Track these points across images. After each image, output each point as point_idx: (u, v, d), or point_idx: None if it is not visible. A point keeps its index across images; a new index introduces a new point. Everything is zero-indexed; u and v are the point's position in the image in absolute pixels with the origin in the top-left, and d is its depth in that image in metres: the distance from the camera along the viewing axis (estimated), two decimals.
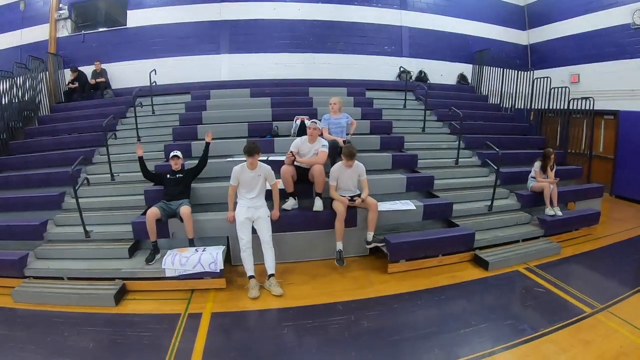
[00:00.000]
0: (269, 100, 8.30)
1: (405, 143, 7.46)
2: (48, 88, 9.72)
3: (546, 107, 9.07)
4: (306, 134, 5.52)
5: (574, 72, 10.13)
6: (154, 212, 4.80)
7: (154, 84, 8.64)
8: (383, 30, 10.92)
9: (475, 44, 11.47)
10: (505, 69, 10.13)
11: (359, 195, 5.17)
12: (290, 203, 5.28)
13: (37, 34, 10.23)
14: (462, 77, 11.58)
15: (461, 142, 7.71)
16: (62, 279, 4.80)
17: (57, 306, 4.34)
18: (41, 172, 6.65)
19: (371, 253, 5.39)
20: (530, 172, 6.83)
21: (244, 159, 4.65)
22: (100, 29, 10.32)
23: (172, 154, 5.31)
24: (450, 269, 5.20)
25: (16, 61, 8.75)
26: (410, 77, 10.56)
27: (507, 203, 6.59)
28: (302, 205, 5.41)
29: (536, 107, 9.45)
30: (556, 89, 8.83)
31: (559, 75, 9.97)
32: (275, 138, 6.84)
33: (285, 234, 5.10)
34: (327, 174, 5.26)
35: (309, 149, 5.34)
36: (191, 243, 4.90)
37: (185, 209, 4.83)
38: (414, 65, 10.89)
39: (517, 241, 5.86)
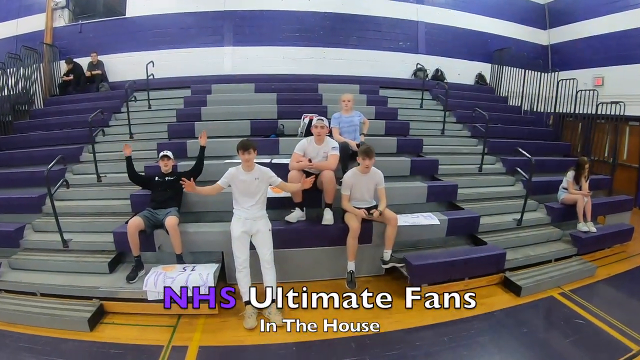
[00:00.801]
0: (274, 97, 7.60)
1: (423, 146, 6.74)
2: (43, 80, 9.15)
3: (569, 110, 8.51)
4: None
5: (597, 74, 9.43)
6: (136, 222, 4.12)
7: (152, 77, 7.97)
8: (398, 25, 10.23)
9: (493, 42, 10.80)
10: (527, 70, 9.43)
11: (375, 207, 4.46)
12: (296, 214, 4.56)
13: (33, 24, 9.62)
14: (480, 77, 10.90)
15: (486, 148, 6.91)
16: (34, 294, 4.18)
17: (26, 327, 3.75)
18: (25, 170, 6.02)
19: (387, 272, 4.68)
20: (561, 182, 6.11)
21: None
22: (98, 19, 9.66)
23: (161, 153, 4.62)
24: (478, 294, 4.31)
25: (9, 52, 8.15)
26: (427, 76, 9.93)
27: (537, 217, 5.86)
28: (308, 217, 4.69)
29: (558, 111, 8.82)
30: (582, 92, 8.17)
31: (581, 78, 9.15)
32: (281, 138, 6.13)
33: (288, 250, 4.39)
34: (337, 181, 4.58)
35: (317, 152, 4.61)
36: (179, 259, 4.22)
37: (170, 220, 4.14)
38: (430, 63, 10.20)
39: (549, 261, 5.17)
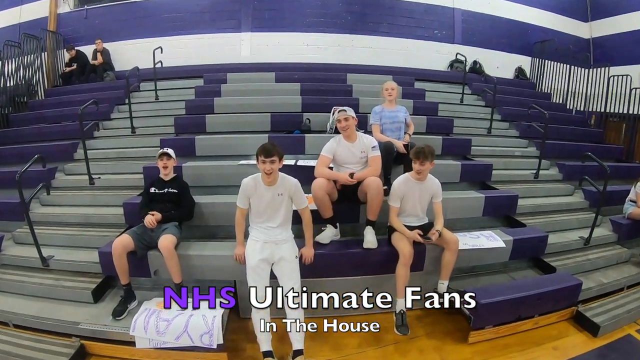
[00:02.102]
0: (298, 87, 6.62)
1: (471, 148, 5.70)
2: (46, 70, 8.38)
3: (615, 110, 7.73)
4: None
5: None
6: (123, 243, 3.19)
7: (159, 64, 7.06)
8: (433, 12, 9.18)
9: (533, 33, 9.73)
10: (572, 65, 8.46)
11: (428, 226, 3.48)
12: (329, 233, 3.54)
13: (37, 10, 8.86)
14: (520, 71, 9.83)
15: (535, 149, 6.14)
16: (7, 325, 3.35)
17: None
18: (11, 170, 5.13)
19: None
20: (623, 192, 5.03)
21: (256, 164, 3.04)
22: (105, 3, 8.82)
23: (160, 151, 3.66)
24: (549, 335, 3.54)
25: (8, 40, 7.36)
26: (464, 68, 8.82)
27: (602, 234, 4.74)
28: (344, 235, 3.70)
29: (606, 110, 7.87)
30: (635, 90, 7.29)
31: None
32: (307, 134, 5.10)
33: (318, 280, 3.38)
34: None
35: (349, 153, 3.62)
36: (179, 291, 3.25)
37: (165, 241, 3.18)
38: (466, 54, 9.00)
39: (621, 289, 4.13)
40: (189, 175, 4.23)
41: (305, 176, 3.67)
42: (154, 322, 2.86)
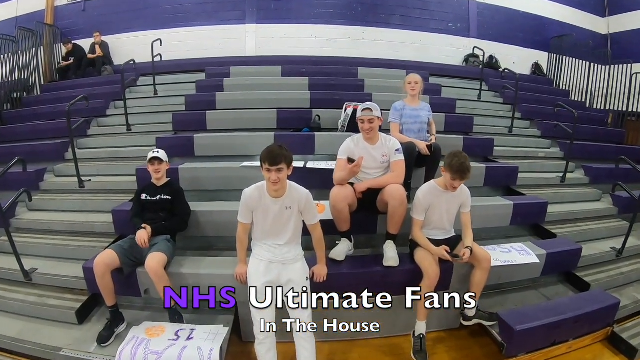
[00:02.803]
0: (306, 81, 6.15)
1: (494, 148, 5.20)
2: (42, 65, 7.99)
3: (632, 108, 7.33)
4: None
5: None
6: (106, 260, 2.76)
7: (158, 57, 6.65)
8: (447, 4, 8.74)
9: (550, 28, 9.27)
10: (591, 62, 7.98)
11: (455, 240, 3.06)
12: (344, 248, 3.07)
13: (34, 3, 8.49)
14: (536, 67, 9.34)
15: (559, 150, 5.75)
16: None
17: None
18: None
19: (462, 325, 3.23)
20: None
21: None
22: None
23: (150, 154, 3.21)
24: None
25: (4, 34, 6.99)
26: (480, 63, 8.40)
27: (634, 244, 4.20)
28: (357, 247, 3.25)
29: (627, 109, 7.41)
30: None
31: None
32: (317, 133, 4.62)
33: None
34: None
35: (369, 157, 3.11)
36: (172, 315, 2.84)
37: (153, 260, 2.74)
38: (482, 48, 8.51)
39: None
40: (186, 178, 3.81)
41: (316, 180, 3.26)
42: (142, 354, 2.44)
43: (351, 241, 3.11)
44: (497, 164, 4.84)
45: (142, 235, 2.88)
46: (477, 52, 8.25)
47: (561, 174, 5.06)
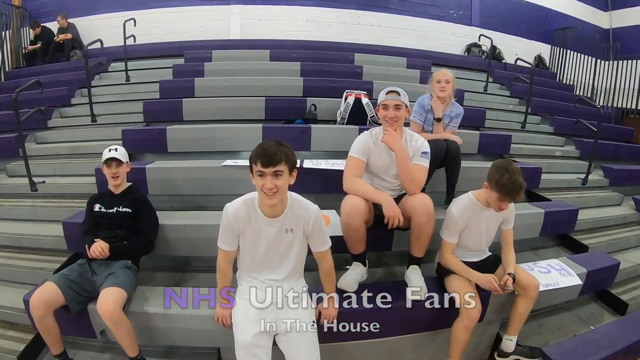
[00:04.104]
0: (298, 67, 5.34)
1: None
2: (8, 50, 6.97)
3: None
4: (367, 121, 3.10)
5: None
6: (45, 297, 2.02)
7: (132, 39, 5.80)
8: None
9: (553, 20, 8.67)
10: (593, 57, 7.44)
11: (494, 259, 2.41)
12: (356, 275, 2.27)
13: None
14: (539, 60, 8.70)
15: (574, 148, 5.15)
16: None
17: None
18: None
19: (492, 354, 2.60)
20: None
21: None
22: None
23: (106, 153, 2.41)
24: None
25: None
26: (483, 53, 7.80)
27: None
28: (374, 276, 2.53)
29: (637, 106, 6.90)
30: None
31: None
32: (313, 125, 3.82)
33: (341, 345, 2.21)
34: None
35: (389, 158, 2.35)
36: None
37: (106, 301, 1.99)
38: (484, 38, 7.94)
39: None
40: (155, 180, 3.03)
41: (314, 183, 2.53)
42: None
43: (365, 265, 2.36)
44: (519, 164, 4.14)
45: (100, 245, 2.16)
46: (483, 41, 7.63)
47: (582, 175, 4.43)
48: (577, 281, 2.69)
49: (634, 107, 6.98)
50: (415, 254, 2.27)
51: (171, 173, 3.09)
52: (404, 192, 2.41)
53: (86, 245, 2.23)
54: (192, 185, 3.07)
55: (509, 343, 2.40)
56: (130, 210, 2.36)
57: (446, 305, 2.17)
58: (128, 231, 2.35)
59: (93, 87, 5.24)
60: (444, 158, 2.91)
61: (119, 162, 2.38)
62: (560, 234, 3.57)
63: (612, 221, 3.97)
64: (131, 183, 2.53)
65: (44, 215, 3.26)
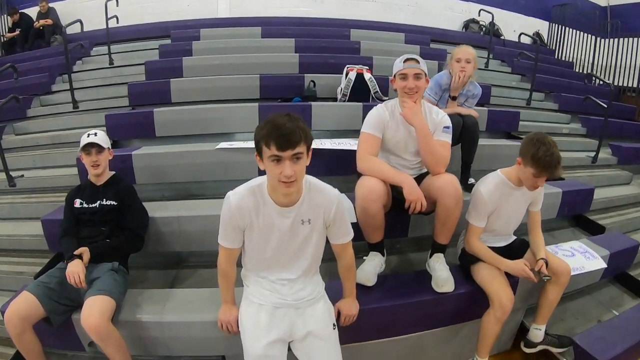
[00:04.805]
0: (292, 43, 4.92)
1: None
2: None
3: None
4: (370, 97, 3.04)
5: None
6: (22, 309, 1.71)
7: (114, 20, 5.35)
8: None
9: None
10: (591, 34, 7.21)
11: (521, 244, 2.17)
12: (374, 266, 1.98)
13: None
14: (538, 36, 8.27)
15: (580, 125, 4.97)
16: None
17: None
18: None
19: (514, 346, 2.39)
20: None
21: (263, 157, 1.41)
22: None
23: (84, 139, 2.06)
24: None
25: None
26: (481, 29, 7.49)
27: None
28: (389, 265, 2.22)
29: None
30: None
31: None
32: (313, 103, 3.44)
33: (360, 345, 1.93)
34: None
35: (407, 134, 2.06)
36: None
37: (92, 310, 1.66)
38: (483, 14, 7.64)
39: None
40: (142, 168, 2.70)
41: (320, 166, 2.24)
42: None
43: (384, 255, 2.06)
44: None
45: (76, 270, 1.76)
46: (482, 17, 7.30)
47: (591, 154, 4.18)
48: (602, 264, 2.48)
49: (632, 85, 6.71)
50: (441, 240, 1.98)
51: (160, 159, 2.74)
52: (424, 170, 2.13)
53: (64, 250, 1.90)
54: (184, 172, 2.74)
55: (538, 332, 2.15)
56: (115, 203, 2.03)
57: (474, 296, 1.96)
58: (114, 227, 2.02)
59: (75, 73, 4.83)
60: (460, 134, 2.61)
61: (99, 148, 2.04)
62: (574, 215, 3.32)
63: (624, 200, 3.75)
64: (114, 172, 2.18)
65: (24, 213, 2.91)
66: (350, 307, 1.71)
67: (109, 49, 5.13)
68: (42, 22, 6.36)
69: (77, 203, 2.05)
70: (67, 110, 4.13)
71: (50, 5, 6.48)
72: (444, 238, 1.98)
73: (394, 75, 2.01)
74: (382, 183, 1.88)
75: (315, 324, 1.54)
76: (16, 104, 3.53)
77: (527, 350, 2.22)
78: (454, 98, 2.73)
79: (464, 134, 2.63)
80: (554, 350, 2.19)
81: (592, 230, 3.17)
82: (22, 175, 3.20)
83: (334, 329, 1.59)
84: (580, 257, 2.45)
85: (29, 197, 3.05)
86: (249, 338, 1.49)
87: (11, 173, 3.13)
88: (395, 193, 1.96)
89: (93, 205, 2.03)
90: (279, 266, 1.55)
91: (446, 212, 1.87)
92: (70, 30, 5.38)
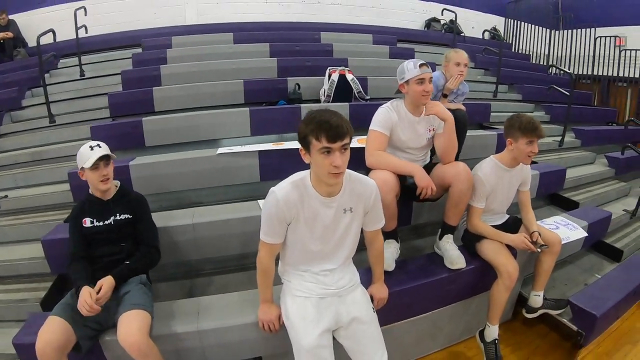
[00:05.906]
0: (267, 48, 4.86)
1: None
2: None
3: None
4: (353, 97, 3.29)
5: (620, 34, 7.45)
6: (56, 338, 1.52)
7: (83, 29, 5.06)
8: None
9: None
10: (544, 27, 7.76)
11: (514, 221, 2.33)
12: (391, 253, 2.06)
13: None
14: (495, 31, 8.63)
15: (544, 113, 5.32)
16: None
17: None
18: None
19: (514, 315, 2.59)
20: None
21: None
22: None
23: (87, 153, 1.83)
24: None
25: None
26: (443, 27, 7.69)
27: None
28: (406, 252, 2.30)
29: (593, 72, 7.28)
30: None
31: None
32: (302, 105, 3.44)
33: (386, 327, 1.88)
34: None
35: (412, 132, 2.17)
36: None
37: (131, 326, 1.55)
38: (444, 13, 7.77)
39: None
40: (140, 179, 2.58)
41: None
42: None
43: (398, 242, 2.14)
44: (498, 130, 4.06)
45: (89, 302, 1.56)
46: (445, 15, 7.46)
47: (557, 138, 4.51)
48: (584, 233, 2.71)
49: (587, 73, 7.28)
50: (451, 222, 2.13)
51: (160, 168, 2.63)
52: (427, 162, 2.28)
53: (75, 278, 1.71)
54: (182, 180, 2.65)
55: (537, 299, 2.32)
56: (130, 216, 1.89)
57: (483, 270, 2.10)
58: (130, 243, 1.88)
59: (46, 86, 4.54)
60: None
61: (107, 159, 1.88)
62: (550, 194, 3.59)
63: (591, 178, 4.09)
64: (119, 182, 2.02)
65: (14, 236, 2.70)
66: (382, 290, 1.77)
67: (80, 60, 4.83)
68: (2, 35, 5.89)
69: (87, 222, 1.85)
70: (43, 125, 3.86)
71: (10, 17, 6.01)
72: (454, 219, 2.12)
73: (408, 81, 2.06)
74: (393, 175, 1.96)
75: (358, 310, 1.57)
76: None
77: (529, 316, 2.39)
78: (445, 96, 2.84)
79: (456, 126, 2.75)
80: (553, 312, 2.38)
81: (567, 206, 3.43)
82: (6, 196, 2.98)
83: (374, 312, 1.63)
84: (564, 229, 2.65)
85: (17, 218, 2.83)
86: (300, 331, 1.48)
87: None
88: (403, 182, 2.05)
89: (107, 222, 1.86)
90: (320, 257, 1.57)
91: (459, 195, 2.02)
92: (34, 43, 5.09)
